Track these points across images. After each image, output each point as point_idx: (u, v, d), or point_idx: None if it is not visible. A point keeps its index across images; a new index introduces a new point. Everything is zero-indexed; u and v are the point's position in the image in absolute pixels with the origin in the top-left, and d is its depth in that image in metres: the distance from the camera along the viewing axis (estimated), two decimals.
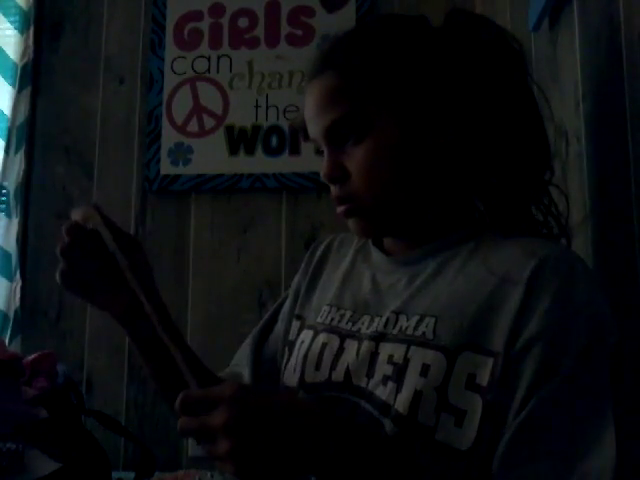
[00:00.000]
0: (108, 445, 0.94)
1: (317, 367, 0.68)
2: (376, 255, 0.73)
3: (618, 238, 0.73)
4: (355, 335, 0.68)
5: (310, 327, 0.74)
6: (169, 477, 1.36)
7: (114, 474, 0.93)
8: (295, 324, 0.79)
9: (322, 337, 0.71)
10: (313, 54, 0.70)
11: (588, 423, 0.54)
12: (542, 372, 0.55)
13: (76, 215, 0.66)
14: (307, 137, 0.71)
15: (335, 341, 0.69)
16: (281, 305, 0.85)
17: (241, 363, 0.84)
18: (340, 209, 0.68)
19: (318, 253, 0.83)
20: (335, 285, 0.76)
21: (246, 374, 0.82)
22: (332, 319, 0.72)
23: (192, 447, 1.55)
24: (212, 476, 1.38)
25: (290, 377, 0.72)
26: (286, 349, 0.77)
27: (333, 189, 0.68)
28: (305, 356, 0.71)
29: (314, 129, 0.68)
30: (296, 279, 0.84)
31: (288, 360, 0.75)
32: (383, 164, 0.65)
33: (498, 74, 0.66)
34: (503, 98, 0.66)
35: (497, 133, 0.66)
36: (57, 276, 0.66)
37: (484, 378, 0.56)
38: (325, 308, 0.74)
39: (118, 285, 0.67)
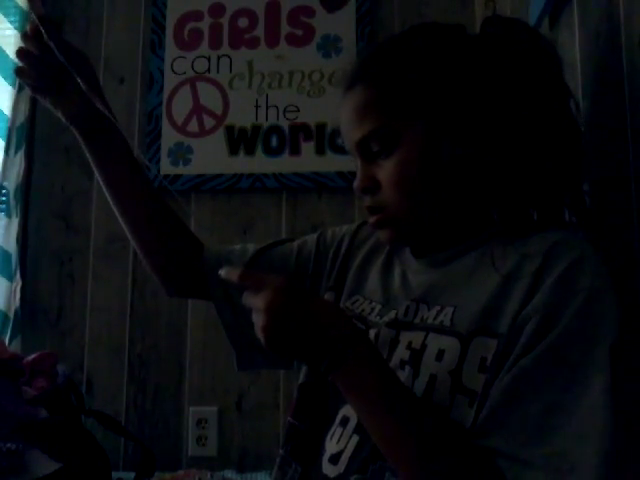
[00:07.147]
0: (108, 445, 0.94)
1: None
2: (408, 254, 0.76)
3: (618, 238, 0.73)
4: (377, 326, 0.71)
5: None
6: (169, 477, 1.36)
7: (114, 474, 0.93)
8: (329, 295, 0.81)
9: None
10: (347, 67, 0.72)
11: (568, 392, 0.54)
12: (532, 342, 0.56)
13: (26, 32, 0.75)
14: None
15: None
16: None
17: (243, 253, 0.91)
18: (372, 220, 0.71)
19: (361, 235, 0.84)
20: (370, 277, 0.78)
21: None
22: (363, 310, 0.75)
23: (192, 447, 1.55)
24: (212, 476, 1.38)
25: None
26: None
27: (365, 200, 0.71)
28: None
29: (347, 142, 0.72)
30: (329, 237, 0.87)
31: None
32: (410, 177, 0.67)
33: (535, 83, 0.66)
34: (540, 108, 0.66)
35: (531, 140, 0.66)
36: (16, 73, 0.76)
37: (490, 359, 0.58)
38: (358, 297, 0.77)
39: (69, 89, 0.76)
